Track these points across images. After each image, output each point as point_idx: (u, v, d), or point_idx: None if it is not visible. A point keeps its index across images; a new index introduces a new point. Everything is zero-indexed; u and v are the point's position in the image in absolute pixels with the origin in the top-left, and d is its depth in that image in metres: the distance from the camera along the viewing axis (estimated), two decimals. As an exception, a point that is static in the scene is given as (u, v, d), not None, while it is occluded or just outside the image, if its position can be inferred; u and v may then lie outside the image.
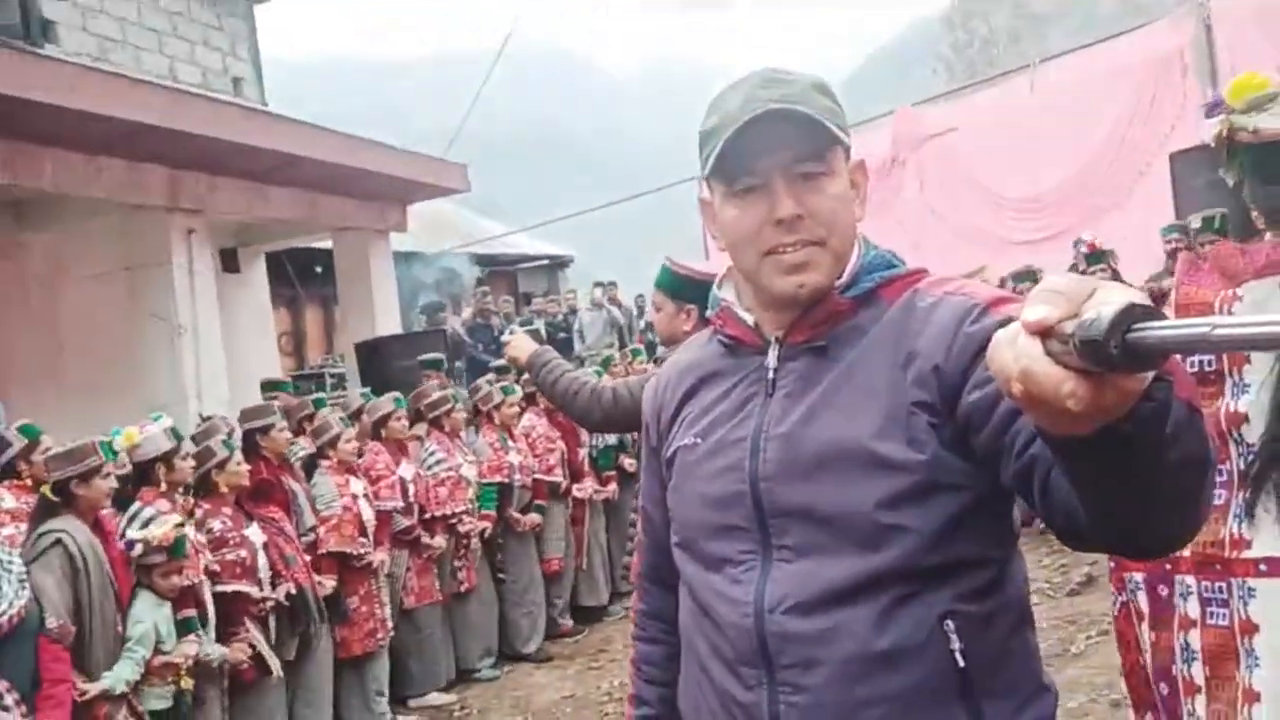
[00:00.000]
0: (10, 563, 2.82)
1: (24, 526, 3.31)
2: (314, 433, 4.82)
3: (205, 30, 9.30)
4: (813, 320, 1.11)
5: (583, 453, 6.08)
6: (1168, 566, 1.90)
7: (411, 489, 5.00)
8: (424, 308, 9.86)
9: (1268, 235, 1.81)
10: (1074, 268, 6.56)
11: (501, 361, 6.75)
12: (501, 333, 8.19)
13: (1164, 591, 1.93)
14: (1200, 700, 1.82)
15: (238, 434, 4.33)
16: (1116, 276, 6.04)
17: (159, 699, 3.32)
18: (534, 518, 5.63)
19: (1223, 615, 1.79)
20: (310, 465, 4.72)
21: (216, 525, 3.82)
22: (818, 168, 1.07)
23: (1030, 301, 0.66)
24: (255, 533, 3.94)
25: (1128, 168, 8.60)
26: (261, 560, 3.90)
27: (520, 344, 2.85)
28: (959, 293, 1.06)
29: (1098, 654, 4.12)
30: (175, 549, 3.36)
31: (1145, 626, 1.98)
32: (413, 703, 5.01)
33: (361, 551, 4.57)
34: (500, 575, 5.57)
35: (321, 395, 6.03)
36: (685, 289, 2.57)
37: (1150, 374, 0.66)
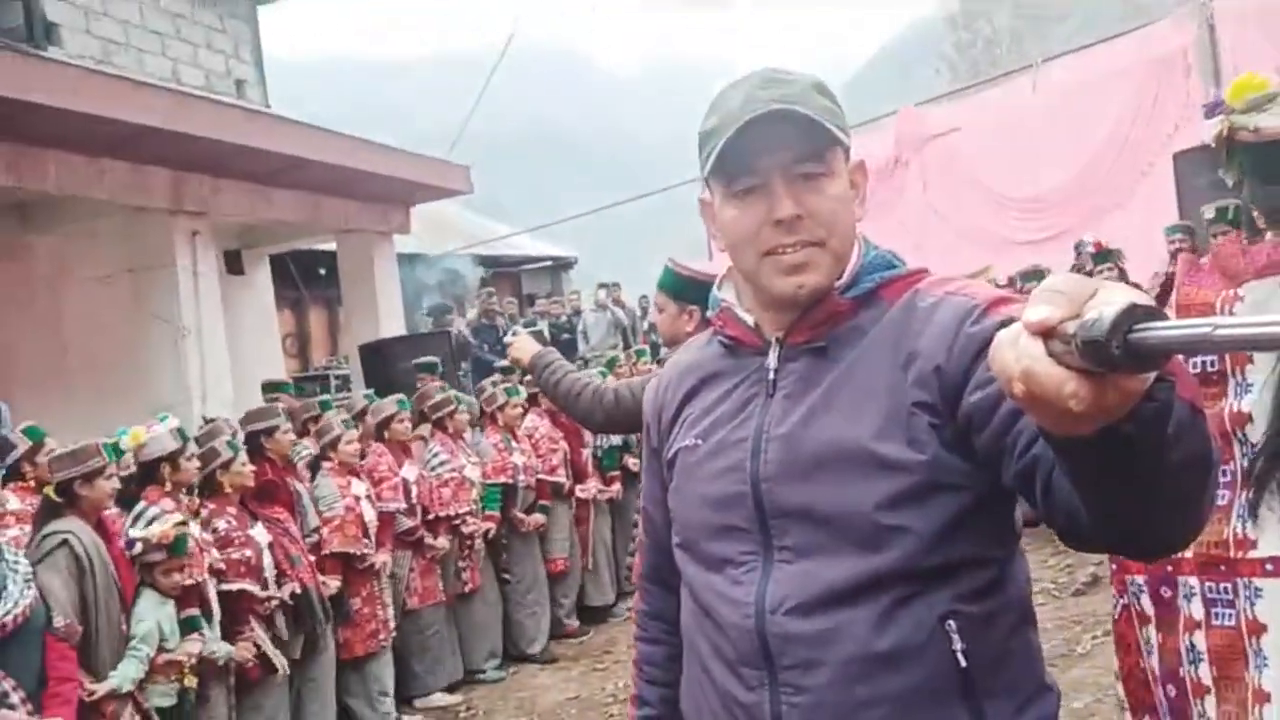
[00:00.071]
0: (16, 563, 2.84)
1: (29, 528, 3.32)
2: (317, 434, 4.84)
3: (208, 32, 9.32)
4: (813, 321, 1.11)
5: (586, 453, 6.08)
6: (1169, 568, 1.90)
7: (414, 490, 5.01)
8: (430, 309, 9.86)
9: (1268, 235, 1.81)
10: (1079, 269, 6.55)
11: (506, 362, 6.76)
12: (505, 333, 8.19)
13: (1167, 593, 1.93)
14: (1210, 701, 1.81)
15: (240, 436, 4.34)
16: (1123, 275, 6.02)
17: (163, 696, 3.34)
18: (538, 518, 5.64)
19: (1229, 616, 1.79)
20: (316, 467, 4.73)
21: (221, 525, 3.84)
22: (817, 168, 1.07)
23: (1032, 302, 0.66)
24: (260, 532, 3.95)
25: (1131, 168, 8.59)
26: (267, 560, 3.91)
27: (523, 345, 2.85)
28: (960, 293, 1.06)
29: (1103, 654, 4.10)
30: (176, 547, 3.37)
31: (1150, 629, 1.98)
32: (418, 703, 5.02)
33: (364, 552, 4.57)
34: (505, 576, 5.58)
35: (326, 397, 6.04)
36: (688, 290, 2.57)
37: (1152, 374, 0.66)
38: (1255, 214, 1.84)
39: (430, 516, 5.10)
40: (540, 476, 5.69)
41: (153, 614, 3.32)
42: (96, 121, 5.80)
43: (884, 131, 10.43)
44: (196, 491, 3.92)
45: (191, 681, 3.40)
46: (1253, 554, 1.75)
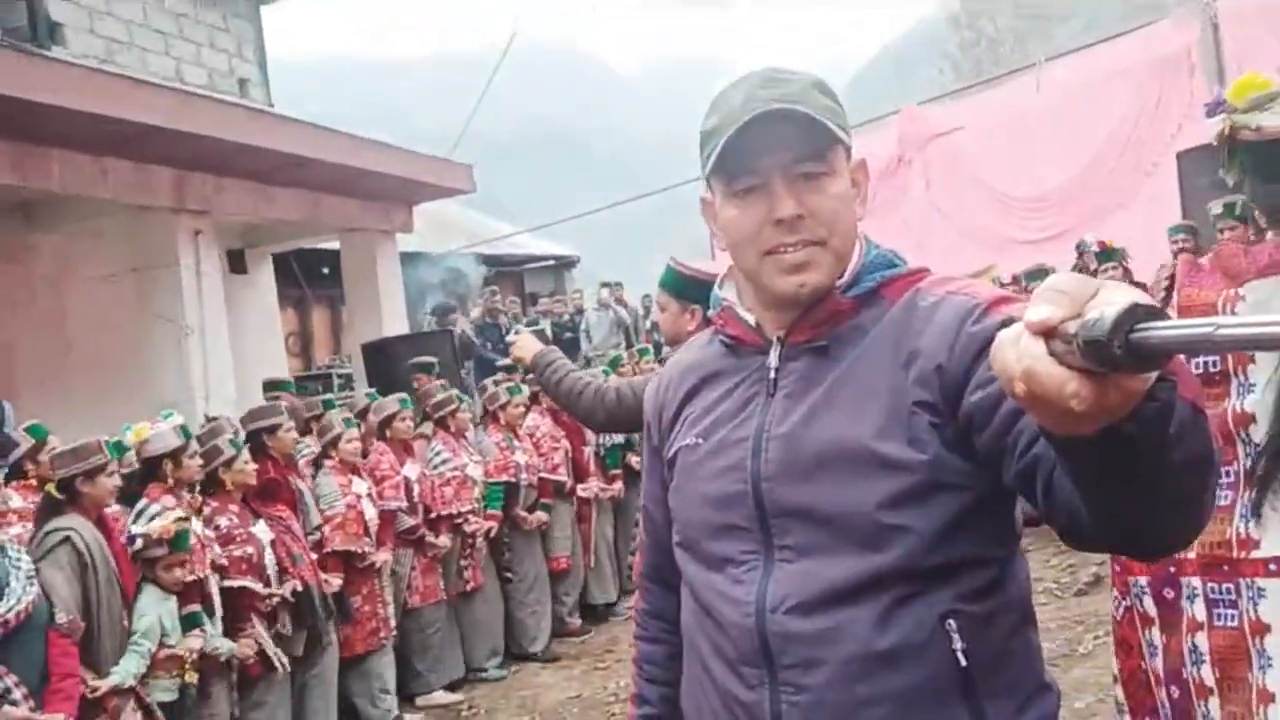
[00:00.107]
0: (19, 560, 2.85)
1: (32, 526, 3.33)
2: (319, 432, 4.85)
3: (211, 32, 9.33)
4: (814, 320, 1.10)
5: (587, 451, 6.09)
6: (1173, 569, 1.89)
7: (416, 489, 5.02)
8: (434, 309, 9.86)
9: (1269, 235, 1.81)
10: (1083, 270, 6.53)
11: (508, 361, 6.76)
12: (509, 332, 8.19)
13: (1170, 594, 1.92)
14: (1214, 702, 1.81)
15: (241, 434, 4.34)
16: (1128, 274, 6.01)
17: (165, 692, 3.36)
18: (540, 516, 5.64)
19: (1231, 616, 1.78)
20: (319, 465, 4.75)
21: (223, 522, 3.86)
22: (818, 167, 1.07)
23: (1033, 301, 0.66)
24: (262, 530, 3.96)
25: (1134, 167, 8.58)
26: (269, 557, 3.93)
27: (525, 344, 2.86)
28: (961, 292, 1.06)
29: (1105, 654, 4.09)
30: (177, 542, 3.39)
31: (1154, 630, 1.97)
32: (419, 701, 5.02)
33: (364, 550, 4.58)
34: (507, 574, 5.58)
35: (330, 396, 6.05)
36: (690, 289, 2.57)
37: (1154, 374, 0.66)
38: (1256, 213, 1.84)
39: (432, 515, 5.11)
40: (542, 475, 5.70)
41: (154, 609, 3.34)
42: (100, 121, 5.80)
43: (887, 130, 10.42)
44: (199, 489, 3.94)
45: (192, 677, 3.41)
46: (1256, 554, 1.75)
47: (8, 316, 7.21)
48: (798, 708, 1.05)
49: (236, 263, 8.63)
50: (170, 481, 3.69)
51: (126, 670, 3.16)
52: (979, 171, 9.60)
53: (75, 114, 5.63)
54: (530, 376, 5.07)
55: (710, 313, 1.25)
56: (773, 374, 1.12)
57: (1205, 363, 1.77)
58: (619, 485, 6.20)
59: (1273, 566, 1.73)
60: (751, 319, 1.17)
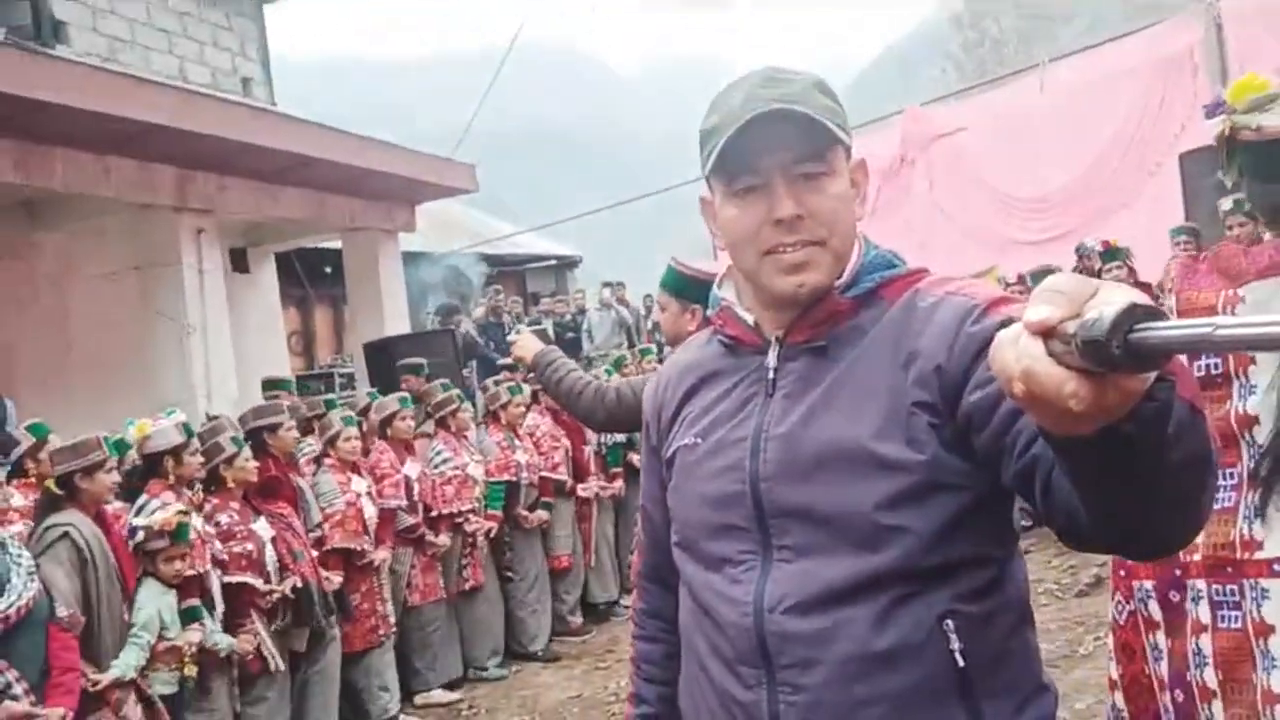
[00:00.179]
0: (20, 555, 2.87)
1: (32, 523, 3.34)
2: (320, 431, 4.87)
3: (214, 30, 9.34)
4: (813, 320, 1.10)
5: (588, 450, 6.09)
6: (1178, 572, 1.88)
7: (416, 487, 5.02)
8: (438, 309, 9.86)
9: (1267, 235, 1.81)
10: (1085, 272, 6.51)
11: (510, 360, 6.76)
12: (511, 332, 8.19)
13: (1176, 597, 1.92)
14: (1217, 705, 1.80)
15: (239, 434, 4.35)
16: (1133, 274, 6.00)
17: (164, 685, 3.37)
18: (542, 514, 5.65)
19: (1235, 618, 1.78)
20: (320, 464, 4.76)
21: (224, 519, 3.88)
22: (818, 168, 1.07)
23: (1032, 302, 0.66)
24: (263, 527, 3.98)
25: (1137, 168, 8.57)
26: (269, 554, 3.94)
27: (526, 343, 2.86)
28: (960, 293, 1.06)
29: (1106, 654, 4.10)
30: (178, 534, 3.40)
31: (1159, 634, 1.96)
32: (418, 699, 5.03)
33: (363, 548, 4.60)
34: (508, 574, 5.59)
35: (332, 396, 6.06)
36: (690, 289, 2.56)
37: (1152, 374, 0.66)
38: (1255, 214, 1.84)
39: (433, 514, 5.12)
40: (543, 474, 5.71)
41: (153, 602, 3.35)
42: (103, 119, 5.81)
43: (890, 131, 10.42)
44: (201, 487, 3.95)
45: (191, 671, 3.43)
46: (1260, 555, 1.74)
47: (10, 315, 7.22)
48: (795, 708, 1.05)
49: (239, 262, 8.64)
50: (171, 478, 3.70)
51: (126, 663, 3.18)
52: (982, 172, 9.59)
53: (78, 112, 5.64)
54: (531, 376, 5.08)
55: (709, 312, 1.25)
56: (771, 374, 1.12)
57: (1207, 365, 1.76)
58: (619, 483, 6.21)
59: (1277, 567, 1.73)
60: (750, 319, 1.16)
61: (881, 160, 9.46)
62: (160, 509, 3.46)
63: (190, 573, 3.49)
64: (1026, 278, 6.72)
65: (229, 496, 3.95)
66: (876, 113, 11.65)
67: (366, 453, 4.95)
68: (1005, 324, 0.69)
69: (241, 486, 4.01)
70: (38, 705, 2.79)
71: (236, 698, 3.75)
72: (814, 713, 1.04)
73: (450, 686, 5.16)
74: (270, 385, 5.88)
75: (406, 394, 5.43)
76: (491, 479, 5.44)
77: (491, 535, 5.41)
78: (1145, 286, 5.76)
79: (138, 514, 3.50)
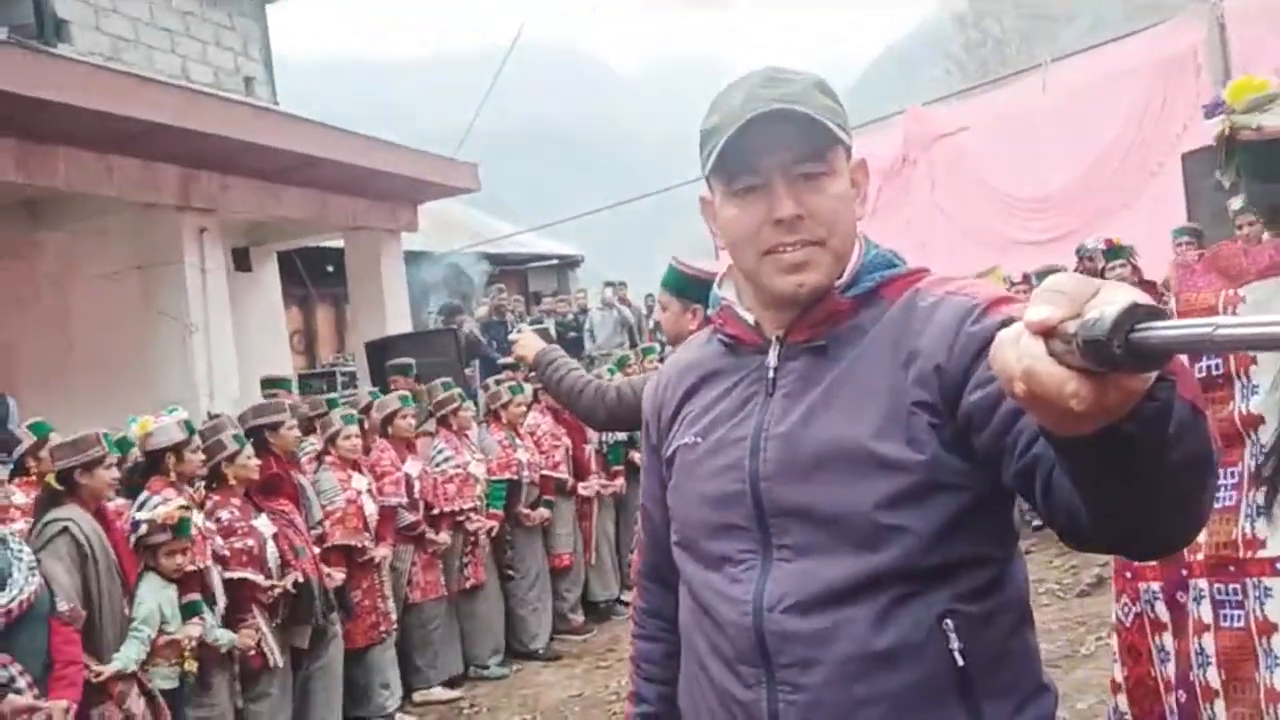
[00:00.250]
0: (20, 551, 2.89)
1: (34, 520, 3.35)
2: (322, 429, 4.88)
3: (217, 30, 9.34)
4: (813, 320, 1.10)
5: (588, 449, 6.10)
6: (1184, 572, 1.88)
7: (417, 485, 5.03)
8: (442, 309, 9.87)
9: (1265, 235, 1.81)
10: (1088, 273, 6.50)
11: (510, 359, 6.76)
12: (512, 331, 8.18)
13: (1182, 598, 1.92)
14: (1219, 704, 1.80)
15: (240, 432, 4.36)
16: (1137, 271, 5.99)
17: (165, 679, 3.39)
18: (543, 513, 5.66)
19: (1238, 617, 1.78)
20: (321, 462, 4.77)
21: (224, 515, 3.89)
22: (818, 168, 1.07)
23: (1033, 301, 0.66)
24: (264, 523, 4.00)
25: (1139, 168, 8.55)
26: (270, 550, 3.96)
27: (528, 342, 2.86)
28: (960, 292, 1.06)
29: (1107, 655, 4.10)
30: (179, 529, 3.42)
31: (1166, 636, 1.96)
32: (417, 696, 5.04)
33: (364, 545, 4.61)
34: (510, 572, 5.59)
35: (334, 395, 6.06)
36: (692, 288, 2.57)
37: (1153, 374, 0.66)
38: (1254, 213, 1.84)
39: (435, 511, 5.13)
40: (544, 472, 5.72)
41: (154, 597, 3.37)
42: (106, 118, 5.82)
43: (891, 131, 10.40)
44: (204, 485, 3.97)
45: (192, 666, 3.44)
46: (1262, 554, 1.74)
47: (12, 314, 7.23)
48: (795, 707, 1.05)
49: (241, 261, 8.65)
50: (173, 475, 3.72)
51: (128, 656, 3.20)
52: (983, 172, 9.57)
53: (81, 111, 5.64)
54: (532, 375, 5.09)
55: (709, 312, 1.25)
56: (771, 373, 1.12)
57: (1208, 366, 1.77)
58: (620, 481, 6.21)
59: (1279, 566, 1.73)
60: (750, 318, 1.16)
61: (883, 160, 9.45)
62: (162, 504, 3.48)
63: (191, 568, 3.51)
64: (1032, 277, 6.71)
65: (230, 493, 3.96)
66: (878, 112, 11.65)
67: (368, 451, 4.96)
68: (1006, 324, 0.69)
69: (243, 484, 4.02)
70: (41, 699, 2.81)
71: (238, 694, 3.76)
72: (813, 712, 1.04)
73: (451, 684, 5.16)
74: (269, 384, 5.88)
75: (407, 393, 5.44)
76: (493, 477, 5.45)
77: (493, 534, 5.42)
78: (1149, 285, 5.75)
79: (139, 509, 3.52)
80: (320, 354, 11.44)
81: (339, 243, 9.42)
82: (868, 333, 1.08)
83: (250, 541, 3.87)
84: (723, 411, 1.15)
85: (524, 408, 5.81)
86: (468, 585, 5.29)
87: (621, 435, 6.06)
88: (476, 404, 6.23)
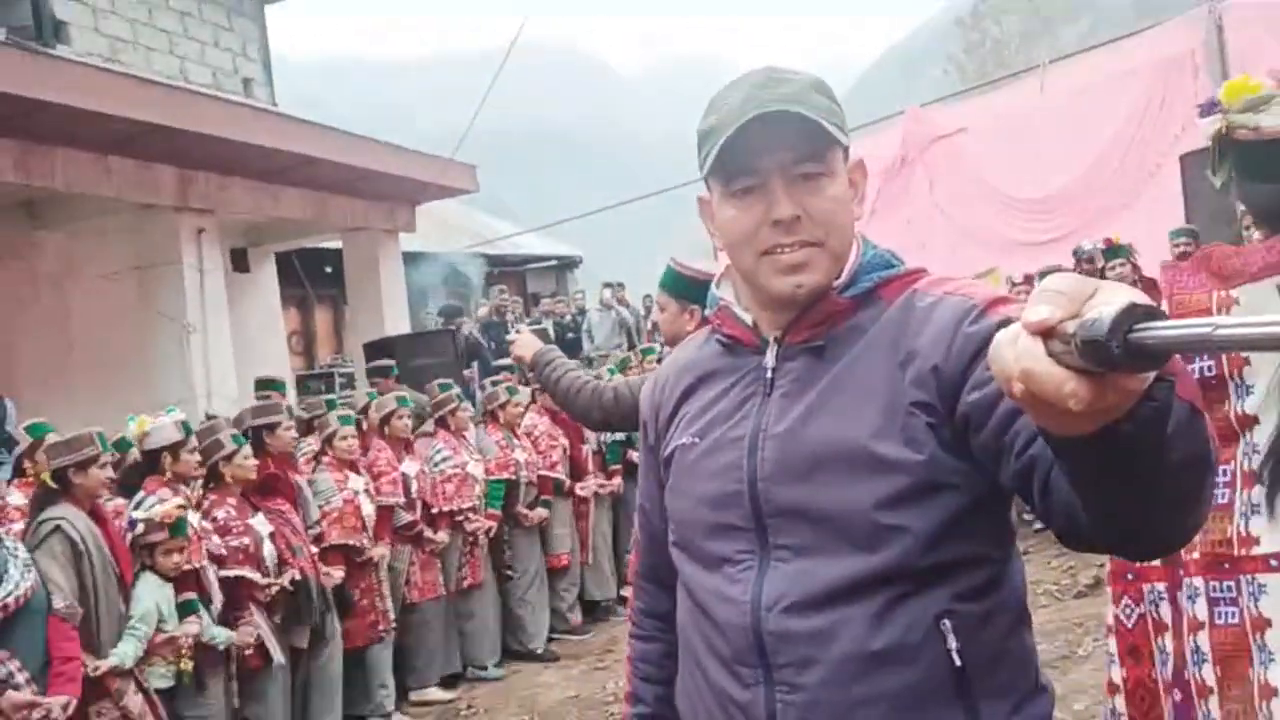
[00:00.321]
0: (15, 548, 2.91)
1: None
2: (319, 430, 4.89)
3: (216, 31, 9.34)
4: (811, 320, 1.10)
5: (585, 450, 6.10)
6: (1181, 571, 1.89)
7: (415, 485, 5.04)
8: (442, 310, 9.87)
9: (1256, 235, 1.81)
10: (1084, 274, 6.48)
11: (507, 360, 6.76)
12: (511, 332, 8.17)
13: (1181, 598, 1.92)
14: (1213, 701, 1.81)
15: (233, 433, 4.36)
16: (1136, 270, 5.99)
17: (160, 678, 3.40)
18: (541, 512, 5.66)
19: (1232, 614, 1.78)
20: (319, 462, 4.78)
21: (221, 514, 3.90)
22: (816, 168, 1.07)
23: (1032, 302, 0.66)
24: (260, 522, 4.01)
25: (1137, 169, 8.55)
26: (267, 549, 3.96)
27: (526, 342, 2.86)
28: (958, 292, 1.06)
29: (1103, 657, 4.10)
30: (176, 528, 3.43)
31: (1167, 636, 1.96)
32: (414, 696, 5.04)
33: (361, 544, 4.61)
34: (508, 572, 5.59)
35: (332, 396, 6.05)
36: (689, 289, 2.57)
37: (1152, 374, 0.66)
38: (1246, 214, 1.84)
39: (434, 511, 5.13)
40: (541, 472, 5.72)
41: (151, 595, 3.38)
42: (104, 119, 5.82)
43: (892, 131, 10.40)
44: (201, 485, 3.97)
45: (188, 666, 3.44)
46: (1257, 550, 1.75)
47: (11, 314, 7.23)
48: (793, 707, 1.05)
49: (239, 261, 8.64)
50: (169, 475, 3.73)
51: (125, 652, 3.21)
52: (983, 173, 9.57)
53: (79, 112, 5.64)
54: (531, 376, 5.09)
55: (707, 312, 1.25)
56: (769, 374, 1.12)
57: (1201, 368, 1.77)
58: (618, 481, 6.21)
59: (1274, 562, 1.74)
60: (749, 319, 1.16)
61: (883, 161, 9.45)
62: (158, 504, 3.49)
63: (188, 567, 3.51)
64: (1035, 277, 6.71)
65: (226, 493, 3.97)
66: (880, 113, 11.65)
67: (366, 451, 4.96)
68: (1004, 324, 0.69)
69: (240, 484, 4.02)
70: (40, 695, 2.81)
71: (234, 694, 3.76)
72: (811, 712, 1.04)
73: (448, 685, 5.16)
74: (263, 385, 5.87)
75: (404, 394, 5.44)
76: (491, 477, 5.46)
77: (491, 534, 5.42)
78: (1150, 283, 5.75)
79: (136, 509, 3.52)
80: (318, 355, 11.42)
81: (337, 244, 9.41)
82: (866, 333, 1.08)
83: (247, 540, 3.88)
84: (720, 412, 1.15)
85: (521, 408, 5.82)
86: (465, 585, 5.29)
87: (619, 434, 6.06)
88: (475, 405, 6.23)
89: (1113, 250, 6.27)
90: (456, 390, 5.75)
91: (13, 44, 6.10)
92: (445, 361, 7.70)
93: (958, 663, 1.02)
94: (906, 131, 10.19)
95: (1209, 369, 1.77)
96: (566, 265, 15.77)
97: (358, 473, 4.78)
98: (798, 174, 1.06)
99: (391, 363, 6.66)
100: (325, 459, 4.74)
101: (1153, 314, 0.61)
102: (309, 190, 8.01)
